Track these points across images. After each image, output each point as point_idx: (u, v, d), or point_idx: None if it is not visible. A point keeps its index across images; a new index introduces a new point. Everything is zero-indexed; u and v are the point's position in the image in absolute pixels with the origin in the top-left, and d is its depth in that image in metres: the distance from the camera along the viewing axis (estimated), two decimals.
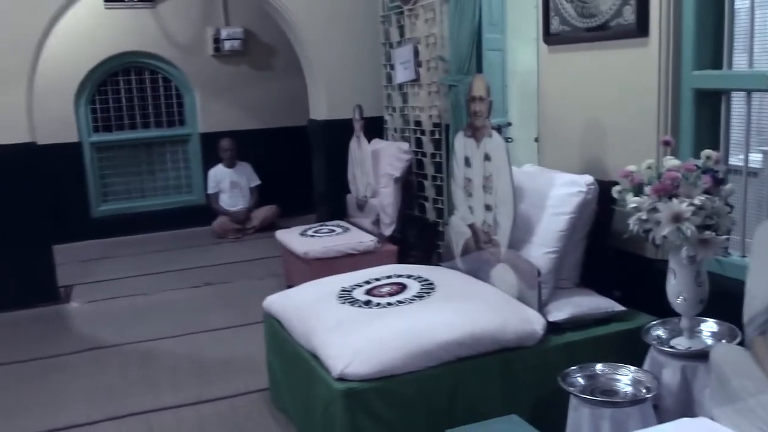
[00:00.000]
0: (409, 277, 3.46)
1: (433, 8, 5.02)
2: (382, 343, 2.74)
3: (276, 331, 3.38)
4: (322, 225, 5.53)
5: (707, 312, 2.69)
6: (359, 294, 3.28)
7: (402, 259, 5.07)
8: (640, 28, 3.12)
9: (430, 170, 5.32)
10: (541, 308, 3.02)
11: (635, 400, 2.47)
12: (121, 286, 5.79)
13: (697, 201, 2.45)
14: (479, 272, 3.43)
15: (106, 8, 7.23)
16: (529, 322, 2.94)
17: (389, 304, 3.12)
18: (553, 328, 3.00)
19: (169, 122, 7.85)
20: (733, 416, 2.06)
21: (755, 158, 2.98)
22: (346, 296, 3.26)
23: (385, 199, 5.25)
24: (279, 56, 7.82)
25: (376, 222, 5.21)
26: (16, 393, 3.91)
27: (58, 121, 7.08)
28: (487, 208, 3.34)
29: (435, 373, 2.76)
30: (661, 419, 2.51)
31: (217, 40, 7.58)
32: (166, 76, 7.73)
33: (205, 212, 7.57)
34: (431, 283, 3.33)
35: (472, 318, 2.89)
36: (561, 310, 3.04)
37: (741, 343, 2.47)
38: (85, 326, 4.95)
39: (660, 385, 2.56)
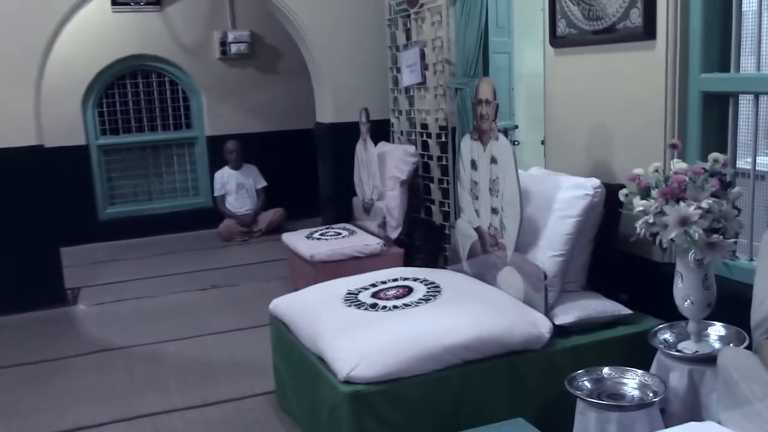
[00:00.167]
0: (415, 280, 3.46)
1: (439, 11, 5.02)
2: (389, 346, 2.74)
3: (282, 334, 3.38)
4: (328, 228, 5.54)
5: (715, 316, 2.68)
6: (365, 297, 3.28)
7: (408, 262, 5.07)
8: (647, 31, 3.12)
9: (436, 173, 5.32)
10: (548, 311, 3.02)
11: (642, 404, 2.46)
12: (128, 288, 5.80)
13: (704, 204, 2.44)
14: (486, 275, 3.43)
15: (114, 12, 7.26)
16: (535, 325, 2.93)
17: (395, 307, 3.12)
18: (559, 331, 2.99)
19: (175, 125, 7.87)
20: (741, 420, 2.05)
21: (763, 161, 2.96)
22: (352, 299, 3.26)
23: (392, 202, 5.25)
24: (285, 59, 7.83)
25: (383, 225, 5.21)
26: (22, 395, 3.92)
27: (65, 124, 7.11)
28: (494, 211, 3.34)
29: (441, 377, 2.76)
30: (668, 423, 2.50)
31: (223, 44, 7.60)
32: (173, 79, 7.75)
33: (211, 215, 7.58)
34: (437, 286, 3.32)
35: (479, 321, 2.89)
36: (567, 314, 3.04)
37: (749, 347, 2.46)
38: (92, 328, 4.96)
39: (667, 389, 2.56)
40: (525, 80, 5.61)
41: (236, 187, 7.53)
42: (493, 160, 3.30)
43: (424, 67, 5.30)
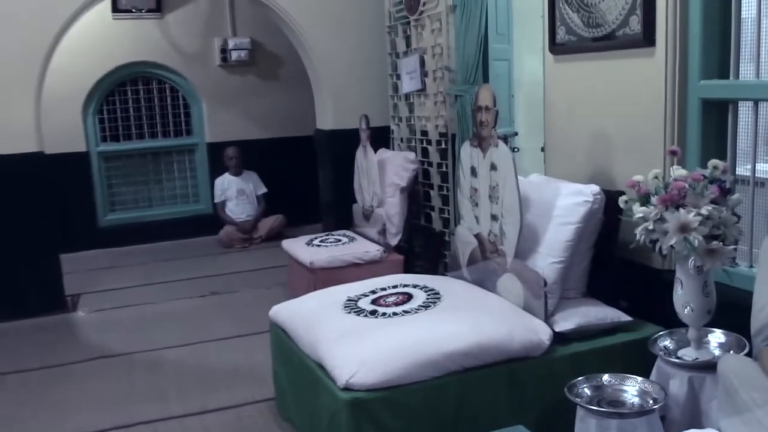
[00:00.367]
0: (415, 286, 3.46)
1: (439, 18, 5.03)
2: (388, 353, 2.73)
3: (282, 341, 3.38)
4: (328, 235, 5.54)
5: (715, 322, 2.68)
6: (365, 303, 3.28)
7: (408, 268, 5.07)
8: (647, 38, 3.12)
9: (436, 180, 5.32)
10: (548, 318, 3.02)
11: (642, 411, 2.45)
12: (128, 295, 5.80)
13: (704, 211, 2.44)
14: (485, 282, 3.43)
15: (114, 19, 7.27)
16: (535, 332, 2.93)
17: (395, 313, 3.11)
18: (559, 338, 2.99)
19: (176, 132, 7.87)
20: (741, 428, 2.05)
21: (762, 168, 2.97)
22: (352, 306, 3.26)
23: (392, 209, 5.26)
24: (286, 66, 7.84)
25: (382, 232, 5.21)
26: (23, 401, 3.91)
27: (66, 131, 7.11)
28: (494, 217, 3.34)
29: (441, 383, 2.75)
30: (668, 431, 2.50)
31: (224, 51, 7.61)
32: (174, 86, 7.76)
33: (212, 221, 7.58)
34: (437, 293, 3.32)
35: (479, 328, 2.88)
36: (567, 320, 3.03)
37: (749, 354, 2.45)
38: (92, 335, 4.95)
39: (667, 396, 2.55)
40: (525, 87, 5.60)
41: (236, 193, 7.53)
42: (493, 167, 3.30)
43: (424, 74, 5.31)
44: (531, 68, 5.32)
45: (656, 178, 2.62)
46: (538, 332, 2.93)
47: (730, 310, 2.65)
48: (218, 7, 7.64)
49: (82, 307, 5.52)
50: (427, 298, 3.27)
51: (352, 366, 2.68)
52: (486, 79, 4.77)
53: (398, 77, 5.76)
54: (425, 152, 5.43)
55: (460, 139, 4.76)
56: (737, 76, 2.96)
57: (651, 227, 2.55)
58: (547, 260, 3.11)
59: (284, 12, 5.83)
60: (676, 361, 2.63)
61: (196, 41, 7.62)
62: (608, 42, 3.37)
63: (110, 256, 7.13)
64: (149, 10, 7.36)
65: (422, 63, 5.30)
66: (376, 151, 5.48)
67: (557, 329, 2.99)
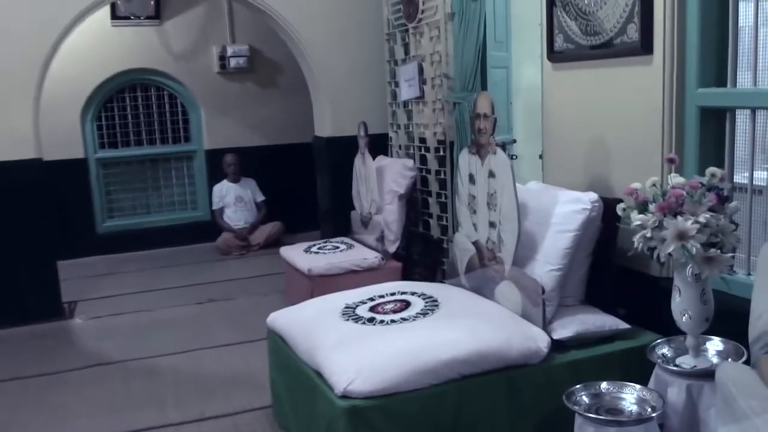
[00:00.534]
0: (413, 294, 3.45)
1: (437, 26, 5.04)
2: (386, 361, 2.73)
3: (279, 348, 3.37)
4: (326, 242, 5.54)
5: (713, 330, 2.67)
6: (363, 311, 3.27)
7: (406, 276, 5.07)
8: (645, 46, 3.13)
9: (434, 187, 5.32)
10: (546, 326, 3.01)
11: (640, 419, 2.45)
12: (126, 302, 5.79)
13: (702, 219, 2.44)
14: (483, 289, 3.43)
15: (113, 26, 7.28)
16: (533, 339, 2.92)
17: (393, 321, 3.11)
18: (557, 345, 2.99)
19: (174, 139, 7.87)
20: None
21: (760, 176, 2.97)
22: (350, 313, 3.26)
23: (390, 216, 5.26)
24: (284, 73, 7.85)
25: (381, 239, 5.21)
26: (19, 409, 3.90)
27: (64, 138, 7.11)
28: (492, 225, 3.34)
29: (439, 391, 2.75)
30: None
31: (222, 58, 7.62)
32: (172, 92, 7.76)
33: (209, 228, 7.58)
34: (435, 301, 3.32)
35: (477, 336, 2.88)
36: (565, 328, 3.03)
37: (747, 362, 2.45)
38: (88, 342, 4.94)
39: (665, 404, 2.55)
40: (523, 95, 5.62)
41: (235, 200, 7.54)
42: (491, 174, 3.30)
43: (423, 82, 5.32)
44: (529, 76, 5.34)
45: (654, 185, 2.63)
46: (537, 340, 2.93)
47: (728, 317, 2.65)
48: (217, 15, 7.65)
49: (79, 314, 5.51)
50: (425, 306, 3.26)
51: (350, 373, 2.67)
52: (484, 87, 4.77)
53: (397, 84, 5.76)
54: (423, 159, 5.44)
55: (458, 147, 4.76)
56: (735, 84, 2.97)
57: (649, 235, 2.55)
58: (545, 268, 3.11)
59: (283, 19, 5.84)
60: (675, 368, 2.63)
61: (195, 48, 7.63)
62: (606, 50, 3.37)
63: (108, 263, 7.12)
64: (148, 18, 7.37)
65: (421, 70, 5.31)
66: (374, 158, 5.48)
67: (555, 337, 2.99)
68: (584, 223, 3.09)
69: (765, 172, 3.18)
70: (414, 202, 5.49)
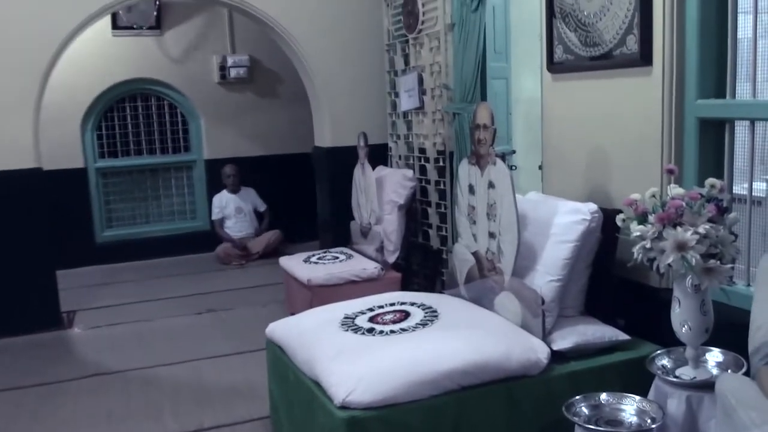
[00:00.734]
0: (412, 304, 3.45)
1: (437, 37, 5.05)
2: (385, 371, 2.72)
3: (278, 359, 3.37)
4: (325, 252, 5.53)
5: (712, 341, 2.67)
6: (362, 321, 3.27)
7: (405, 286, 5.06)
8: (644, 57, 3.14)
9: (434, 197, 5.33)
10: (546, 337, 3.01)
11: (640, 431, 2.44)
12: (124, 312, 5.78)
13: (701, 229, 2.44)
14: (483, 300, 3.42)
15: (114, 36, 7.30)
16: (533, 350, 2.92)
17: (392, 331, 3.10)
18: (557, 356, 2.98)
19: (174, 148, 7.89)
20: None
21: (759, 187, 2.98)
22: (349, 323, 3.25)
23: (389, 226, 5.25)
24: (284, 84, 7.87)
25: (380, 249, 5.21)
26: (17, 419, 3.89)
27: (64, 147, 7.12)
28: (491, 235, 3.34)
29: (438, 402, 2.74)
30: None
31: (223, 68, 7.65)
32: (172, 102, 7.78)
33: (209, 238, 7.58)
34: (435, 311, 3.31)
35: (476, 346, 2.87)
36: (565, 339, 3.02)
37: (747, 374, 2.45)
38: (87, 352, 4.93)
39: (665, 416, 2.54)
40: (522, 105, 5.63)
41: (234, 211, 7.54)
42: (491, 185, 3.30)
43: (422, 92, 5.33)
44: (529, 87, 5.35)
45: (653, 196, 2.63)
46: (536, 351, 2.92)
47: (727, 328, 2.65)
48: (217, 25, 7.68)
49: (77, 324, 5.50)
50: (425, 316, 3.26)
51: (349, 384, 2.67)
52: (484, 98, 4.78)
53: (396, 95, 5.78)
54: (423, 170, 5.44)
55: (457, 157, 4.76)
56: (734, 95, 2.98)
57: (648, 246, 2.55)
58: (545, 278, 3.11)
59: (284, 30, 5.86)
60: (674, 380, 2.63)
61: (196, 58, 7.65)
62: (605, 61, 3.38)
63: (107, 273, 7.11)
64: (149, 28, 7.40)
65: (420, 81, 5.32)
66: (374, 169, 5.48)
67: (555, 348, 2.98)
68: (584, 234, 3.09)
69: (764, 183, 3.19)
70: (413, 212, 5.49)
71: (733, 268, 2.61)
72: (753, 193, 2.93)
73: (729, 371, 2.57)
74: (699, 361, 2.67)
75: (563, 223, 3.14)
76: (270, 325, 3.54)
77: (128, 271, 7.19)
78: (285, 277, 5.44)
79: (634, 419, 2.54)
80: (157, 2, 7.25)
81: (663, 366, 2.75)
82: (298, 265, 5.20)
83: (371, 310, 3.42)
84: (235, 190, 7.55)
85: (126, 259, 7.44)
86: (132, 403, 4.03)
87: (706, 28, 2.98)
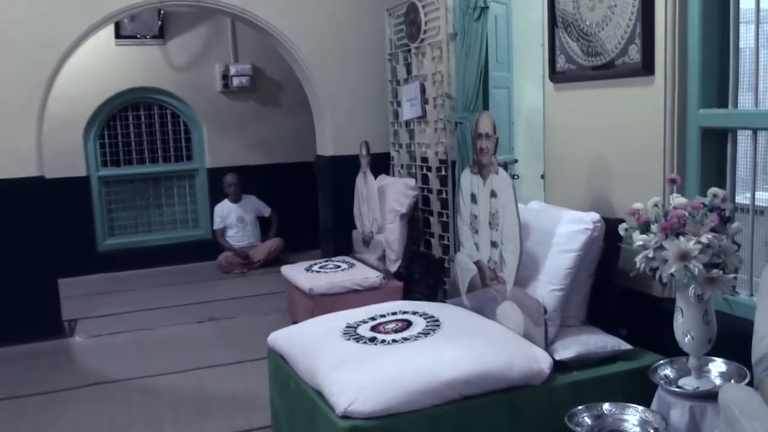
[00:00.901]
0: (414, 313, 3.44)
1: (440, 46, 5.06)
2: (387, 381, 2.71)
3: (280, 367, 3.36)
4: (327, 260, 5.53)
5: (715, 351, 2.66)
6: (364, 330, 3.26)
7: (407, 295, 5.06)
8: (646, 67, 3.14)
9: (436, 206, 5.32)
10: (548, 346, 3.00)
11: None
12: (126, 320, 5.78)
13: (704, 239, 2.44)
14: (485, 309, 3.42)
15: (117, 44, 7.33)
16: (535, 360, 2.91)
17: (394, 340, 3.09)
18: (559, 366, 2.97)
19: (176, 157, 7.90)
20: None
21: (762, 196, 2.97)
22: (351, 332, 3.24)
23: (391, 235, 5.25)
24: (286, 92, 7.89)
25: (382, 258, 5.20)
26: (17, 428, 3.88)
27: (67, 156, 7.14)
28: (493, 244, 3.33)
29: (440, 412, 2.73)
30: None
31: (225, 77, 7.67)
32: (175, 111, 7.80)
33: (211, 247, 7.59)
34: (437, 320, 3.31)
35: (478, 356, 2.87)
36: (567, 349, 3.02)
37: (750, 384, 2.44)
38: (88, 361, 4.92)
39: (668, 426, 2.53)
40: (524, 115, 5.64)
41: (236, 220, 7.54)
42: (493, 194, 3.30)
43: (425, 101, 5.34)
44: (531, 96, 5.36)
45: (656, 206, 2.62)
46: (539, 360, 2.91)
47: (730, 338, 2.64)
48: (220, 34, 7.71)
49: (79, 333, 5.49)
50: (427, 326, 3.25)
51: (351, 393, 2.66)
52: (486, 107, 4.79)
53: (399, 104, 5.78)
54: (425, 179, 5.44)
55: (460, 166, 4.77)
56: (736, 105, 2.98)
57: (651, 255, 2.54)
58: (547, 288, 3.11)
59: (286, 39, 5.88)
60: (677, 390, 2.62)
61: (198, 67, 7.67)
62: (608, 71, 3.39)
63: (109, 281, 7.11)
64: (152, 37, 7.43)
65: (423, 90, 5.33)
66: (376, 178, 5.49)
67: (557, 357, 2.98)
68: (586, 243, 3.08)
69: (767, 193, 3.19)
70: (415, 221, 5.49)
71: (735, 277, 2.60)
72: (755, 203, 2.92)
73: (732, 381, 2.56)
74: (702, 371, 2.66)
75: (565, 233, 3.13)
76: (272, 334, 3.53)
77: (130, 279, 7.19)
78: (287, 285, 5.43)
79: (636, 430, 2.53)
80: (161, 12, 7.27)
81: (666, 376, 2.74)
82: (299, 273, 5.20)
83: (373, 319, 3.41)
84: (236, 199, 7.55)
85: (128, 268, 7.44)
86: (133, 412, 4.02)
87: (707, 38, 2.99)
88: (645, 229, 2.60)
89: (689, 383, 2.64)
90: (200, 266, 7.55)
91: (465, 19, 4.71)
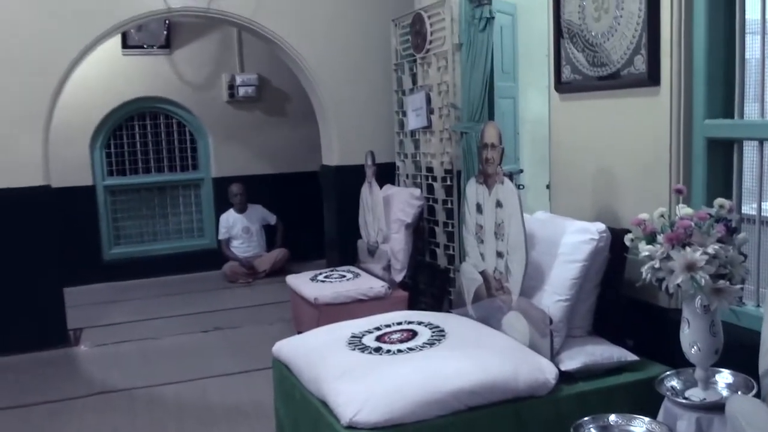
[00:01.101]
0: (419, 323, 3.44)
1: (445, 56, 5.07)
2: (392, 391, 2.71)
3: (284, 377, 3.35)
4: (332, 270, 5.53)
5: (722, 362, 2.65)
6: (369, 340, 3.25)
7: (413, 305, 5.05)
8: (652, 77, 3.14)
9: (441, 216, 5.32)
10: (554, 357, 2.99)
11: None
12: (131, 329, 5.78)
13: (710, 250, 2.43)
14: (491, 320, 3.41)
15: (124, 54, 7.37)
16: (541, 371, 2.90)
17: (399, 351, 3.09)
18: (565, 377, 2.96)
19: (182, 166, 7.92)
20: None
21: None
22: (356, 342, 3.24)
23: (396, 245, 5.25)
24: (292, 102, 7.91)
25: (387, 268, 5.20)
26: None
27: (73, 165, 7.17)
28: (499, 255, 3.33)
29: (445, 423, 2.72)
30: None
31: (231, 86, 7.70)
32: (181, 120, 7.82)
33: (216, 256, 7.59)
34: (442, 330, 3.30)
35: (484, 366, 2.86)
36: (573, 359, 3.01)
37: (757, 395, 2.43)
38: (93, 370, 4.92)
39: None
40: (530, 125, 5.64)
41: (242, 231, 7.54)
42: (499, 204, 3.30)
43: (430, 111, 5.34)
44: (536, 106, 5.37)
45: (662, 216, 2.62)
46: (544, 371, 2.90)
47: (737, 350, 2.63)
48: (226, 44, 7.74)
49: (84, 341, 5.50)
50: (432, 336, 3.24)
51: (356, 403, 2.65)
52: (491, 117, 4.79)
53: (404, 114, 5.79)
54: (430, 189, 5.44)
55: (465, 176, 4.77)
56: (742, 115, 2.97)
57: (657, 266, 2.53)
58: (553, 298, 3.10)
59: (292, 49, 5.90)
60: (684, 401, 2.60)
61: (204, 77, 7.70)
62: (613, 81, 3.39)
63: (114, 290, 7.12)
64: (159, 47, 7.46)
65: (428, 100, 5.34)
66: (381, 187, 5.49)
67: (563, 368, 2.97)
68: (592, 254, 3.08)
69: None
70: (421, 231, 5.49)
71: (742, 288, 2.60)
72: (762, 213, 2.92)
73: (739, 393, 2.55)
74: (709, 383, 2.65)
75: (571, 243, 3.13)
76: (276, 343, 3.53)
77: (135, 288, 7.20)
78: (292, 295, 5.43)
79: None
80: (167, 22, 7.30)
81: (672, 387, 2.72)
82: (305, 283, 5.20)
83: (378, 329, 3.41)
84: (242, 209, 7.55)
85: (133, 277, 7.46)
86: (137, 421, 4.02)
87: (713, 48, 2.99)
88: (651, 239, 2.59)
89: (696, 394, 2.62)
90: (205, 275, 7.56)
91: (470, 29, 4.72)
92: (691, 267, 2.43)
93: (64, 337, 5.44)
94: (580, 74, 3.61)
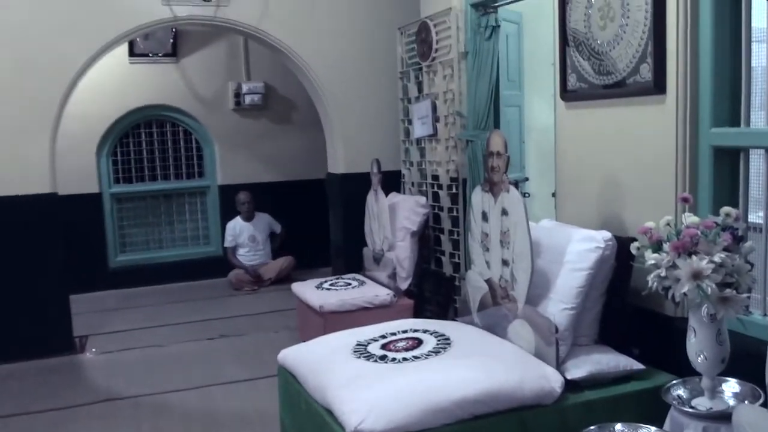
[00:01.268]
0: (425, 332, 3.43)
1: (451, 65, 5.08)
2: (398, 399, 2.70)
3: (290, 385, 3.35)
4: (338, 278, 5.53)
5: (729, 371, 2.63)
6: (375, 348, 3.25)
7: (418, 313, 5.04)
8: (658, 86, 3.14)
9: (447, 224, 5.32)
10: (559, 365, 2.98)
11: None
12: (136, 337, 5.79)
13: (716, 258, 2.42)
14: (496, 328, 3.40)
15: (131, 63, 7.40)
16: (546, 379, 2.89)
17: (405, 359, 3.08)
18: (571, 386, 2.95)
19: (188, 174, 7.94)
20: None
21: None
22: (362, 350, 3.24)
23: (402, 253, 5.25)
24: (298, 110, 7.93)
25: (393, 276, 5.20)
26: None
27: (79, 173, 7.19)
28: (504, 263, 3.32)
29: (450, 431, 2.71)
30: None
31: (238, 95, 7.72)
32: (187, 128, 7.85)
33: (222, 264, 7.60)
34: (447, 339, 3.30)
35: (489, 375, 2.85)
36: (579, 368, 3.00)
37: (764, 404, 2.42)
38: (99, 377, 4.93)
39: None
40: (536, 133, 5.65)
41: (248, 239, 7.55)
42: (504, 212, 3.30)
43: (436, 119, 5.35)
44: (542, 114, 5.38)
45: (668, 224, 2.61)
46: (550, 380, 2.89)
47: (744, 359, 2.62)
48: (233, 53, 7.76)
49: (90, 349, 5.51)
50: (438, 344, 3.24)
51: (361, 412, 2.65)
52: (497, 125, 4.80)
53: (410, 122, 5.80)
54: (436, 197, 5.45)
55: (471, 184, 4.77)
56: (748, 124, 2.96)
57: (663, 274, 2.53)
58: (559, 306, 3.09)
59: (298, 57, 5.92)
60: (690, 410, 2.59)
61: (211, 85, 7.73)
62: (619, 89, 3.39)
63: (120, 298, 7.14)
64: (165, 55, 7.49)
65: (434, 108, 5.35)
66: (387, 195, 5.49)
67: (569, 377, 2.96)
68: (598, 262, 3.07)
69: None
70: (426, 239, 5.49)
71: (749, 297, 2.58)
72: None
73: (746, 402, 2.54)
74: (715, 392, 2.64)
75: (577, 251, 3.12)
76: (282, 351, 3.53)
77: (141, 296, 7.21)
78: (297, 303, 5.43)
79: None
80: (174, 30, 7.33)
81: (679, 396, 2.71)
82: (310, 291, 5.20)
83: (384, 337, 3.40)
84: (249, 218, 7.56)
85: (139, 284, 7.47)
86: (142, 429, 4.02)
87: (719, 57, 2.99)
88: (657, 247, 2.59)
89: (702, 404, 2.61)
90: (211, 283, 7.57)
91: (476, 37, 4.73)
92: (697, 276, 2.42)
93: (69, 344, 5.44)
94: (586, 82, 3.61)
